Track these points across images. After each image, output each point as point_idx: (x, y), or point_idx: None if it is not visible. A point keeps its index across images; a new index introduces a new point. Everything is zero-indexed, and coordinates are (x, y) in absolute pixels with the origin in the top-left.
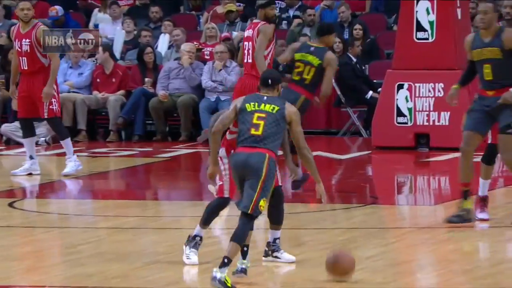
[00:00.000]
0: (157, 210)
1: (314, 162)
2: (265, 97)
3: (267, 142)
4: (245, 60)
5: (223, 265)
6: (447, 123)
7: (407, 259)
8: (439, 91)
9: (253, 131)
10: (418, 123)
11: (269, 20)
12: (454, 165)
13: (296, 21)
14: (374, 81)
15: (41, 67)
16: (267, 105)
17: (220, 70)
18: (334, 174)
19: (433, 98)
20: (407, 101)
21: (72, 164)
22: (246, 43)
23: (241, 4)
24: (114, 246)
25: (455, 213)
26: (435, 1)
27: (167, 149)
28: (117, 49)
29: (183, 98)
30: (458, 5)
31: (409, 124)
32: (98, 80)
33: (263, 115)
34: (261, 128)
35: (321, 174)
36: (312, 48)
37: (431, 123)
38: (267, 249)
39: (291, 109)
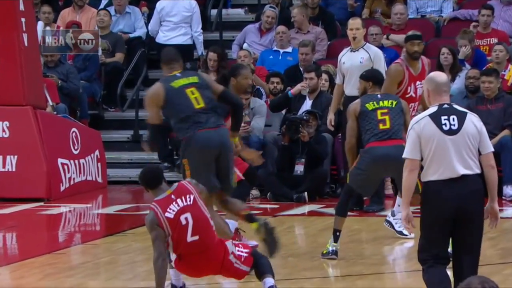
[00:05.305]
0: None
1: None
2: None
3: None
4: None
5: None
6: (13, 169)
7: None
8: (4, 131)
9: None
10: None
11: (411, 56)
12: (22, 219)
13: None
14: None
15: None
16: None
17: None
18: None
19: None
20: None
21: None
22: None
23: None
24: None
25: None
26: None
27: None
28: None
29: None
30: (24, 29)
31: None
32: None
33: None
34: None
35: None
36: None
37: None
38: None
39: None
